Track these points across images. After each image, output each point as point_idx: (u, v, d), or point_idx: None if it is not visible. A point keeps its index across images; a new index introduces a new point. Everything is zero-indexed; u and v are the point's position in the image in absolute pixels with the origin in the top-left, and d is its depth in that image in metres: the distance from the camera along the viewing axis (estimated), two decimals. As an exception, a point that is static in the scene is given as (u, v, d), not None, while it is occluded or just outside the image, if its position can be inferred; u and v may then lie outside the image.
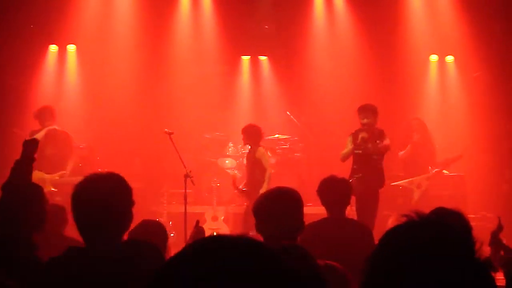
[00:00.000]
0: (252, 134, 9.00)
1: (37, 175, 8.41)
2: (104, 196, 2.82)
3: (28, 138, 8.54)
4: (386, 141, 8.25)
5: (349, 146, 8.38)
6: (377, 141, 8.21)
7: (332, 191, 4.79)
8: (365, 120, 8.22)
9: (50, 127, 9.01)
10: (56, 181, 8.28)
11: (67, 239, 5.17)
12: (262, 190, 8.30)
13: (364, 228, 4.92)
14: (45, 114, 9.10)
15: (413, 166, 10.10)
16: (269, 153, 10.94)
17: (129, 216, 2.90)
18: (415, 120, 10.52)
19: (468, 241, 1.42)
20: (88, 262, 2.75)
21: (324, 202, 4.86)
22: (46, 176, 8.55)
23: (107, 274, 2.69)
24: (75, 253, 2.83)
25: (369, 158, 8.25)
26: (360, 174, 8.12)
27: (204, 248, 1.25)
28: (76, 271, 2.74)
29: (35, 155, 8.62)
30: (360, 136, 8.18)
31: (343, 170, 8.42)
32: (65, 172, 8.76)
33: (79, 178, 7.68)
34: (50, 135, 8.87)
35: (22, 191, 3.76)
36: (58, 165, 8.86)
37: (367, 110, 8.23)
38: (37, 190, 3.83)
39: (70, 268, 2.76)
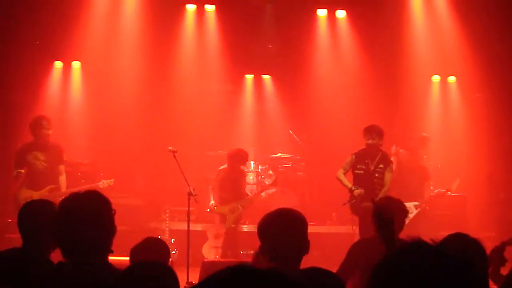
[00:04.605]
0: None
1: (24, 194, 8.32)
2: (86, 213, 2.85)
3: (18, 153, 8.40)
4: (388, 176, 8.30)
5: (347, 167, 8.46)
6: (380, 165, 8.29)
7: (387, 212, 4.79)
8: (370, 141, 8.29)
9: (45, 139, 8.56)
10: (46, 197, 8.05)
11: None
12: None
13: None
14: (38, 124, 8.52)
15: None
16: (270, 172, 11.07)
17: (112, 230, 2.92)
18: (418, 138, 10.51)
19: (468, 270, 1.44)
20: (69, 280, 2.77)
21: (377, 223, 4.84)
22: (34, 193, 8.33)
23: None
24: (58, 271, 2.86)
25: (371, 178, 8.29)
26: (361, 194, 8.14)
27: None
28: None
29: (24, 169, 8.45)
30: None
31: (345, 190, 8.48)
32: (54, 186, 8.52)
33: (68, 191, 7.62)
34: (41, 147, 8.60)
35: (37, 211, 3.78)
36: (49, 179, 8.59)
37: (372, 131, 8.30)
38: (51, 208, 3.82)
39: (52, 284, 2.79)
